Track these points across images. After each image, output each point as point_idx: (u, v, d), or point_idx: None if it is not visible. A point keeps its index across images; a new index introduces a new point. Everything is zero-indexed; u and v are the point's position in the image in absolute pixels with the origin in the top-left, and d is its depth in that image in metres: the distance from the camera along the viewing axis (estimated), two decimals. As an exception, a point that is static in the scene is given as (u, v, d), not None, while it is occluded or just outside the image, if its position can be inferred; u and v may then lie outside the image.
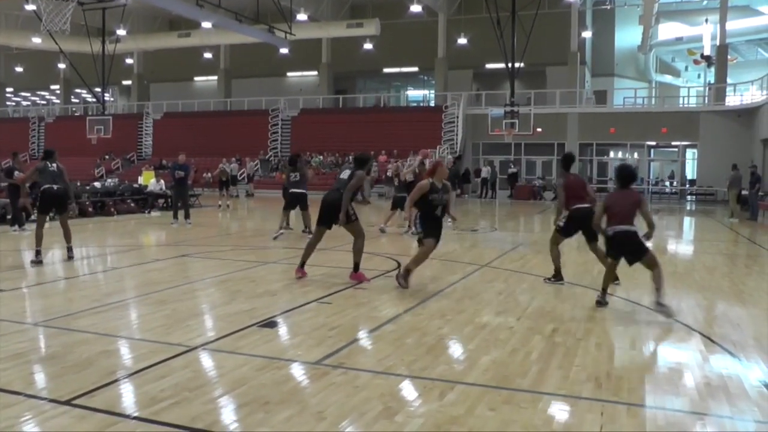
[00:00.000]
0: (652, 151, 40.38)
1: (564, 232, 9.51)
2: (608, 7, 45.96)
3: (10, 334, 6.37)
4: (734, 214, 23.10)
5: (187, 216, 17.90)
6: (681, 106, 41.17)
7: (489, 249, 13.45)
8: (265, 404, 4.62)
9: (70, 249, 11.42)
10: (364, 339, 6.55)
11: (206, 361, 5.73)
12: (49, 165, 11.26)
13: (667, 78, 52.12)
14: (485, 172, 36.28)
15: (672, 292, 9.17)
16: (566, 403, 4.82)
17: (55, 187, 11.11)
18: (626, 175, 7.91)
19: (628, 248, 7.66)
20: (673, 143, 38.78)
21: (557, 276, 9.68)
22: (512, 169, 36.94)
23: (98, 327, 6.70)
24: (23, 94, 68.70)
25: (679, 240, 18.40)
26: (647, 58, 49.51)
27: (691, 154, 39.15)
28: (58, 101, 61.40)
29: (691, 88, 46.15)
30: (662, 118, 36.58)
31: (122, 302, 8.07)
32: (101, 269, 11.00)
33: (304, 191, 15.19)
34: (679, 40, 48.68)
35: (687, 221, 24.90)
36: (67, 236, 11.46)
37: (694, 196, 36.68)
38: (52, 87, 62.59)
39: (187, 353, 5.82)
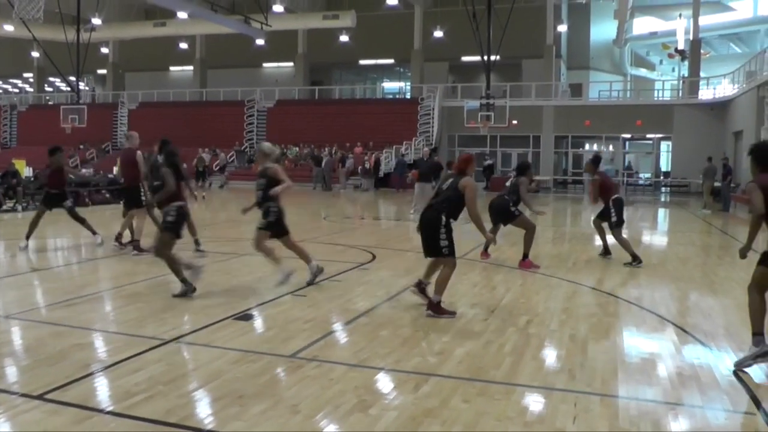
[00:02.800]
0: (627, 143, 40.71)
1: (619, 222, 10.81)
2: (583, 1, 46.18)
3: (-19, 328, 6.29)
4: (707, 205, 23.40)
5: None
6: (656, 99, 41.48)
7: (464, 241, 13.44)
8: (239, 398, 4.60)
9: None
10: (338, 331, 6.55)
11: (180, 354, 5.70)
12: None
13: (642, 71, 52.54)
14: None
15: (645, 283, 9.29)
16: (540, 394, 4.86)
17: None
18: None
19: None
20: (648, 136, 39.15)
21: (635, 258, 10.67)
22: (488, 161, 36.99)
23: (71, 320, 6.64)
24: (-6, 82, 67.72)
25: (653, 231, 18.59)
26: (622, 51, 49.90)
27: (665, 146, 39.50)
28: (31, 90, 60.52)
29: (665, 82, 46.50)
30: (637, 110, 36.89)
31: (96, 294, 8.01)
32: (75, 261, 10.89)
33: None
34: (653, 34, 49.07)
35: (661, 213, 25.15)
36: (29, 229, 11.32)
37: (668, 188, 37.08)
38: (25, 75, 61.67)
39: (161, 346, 5.79)
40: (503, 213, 10.60)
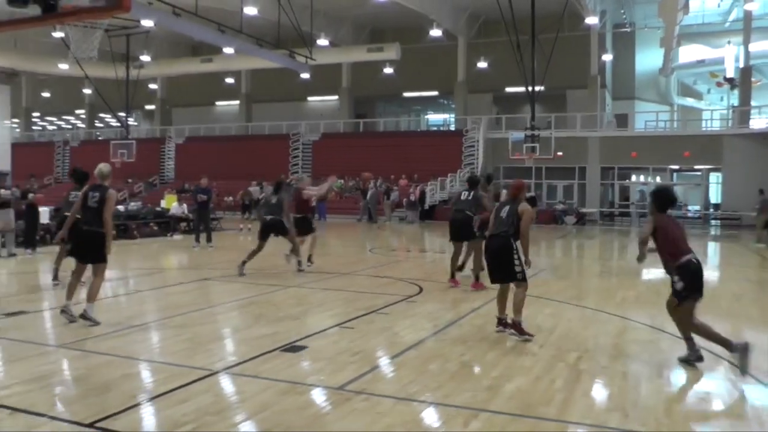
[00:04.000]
0: (674, 175, 40.05)
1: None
2: (628, 30, 45.82)
3: (34, 357, 6.39)
4: (761, 239, 22.79)
5: (209, 239, 17.97)
6: (704, 129, 40.79)
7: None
8: (287, 430, 4.57)
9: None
10: (386, 364, 6.50)
11: (228, 385, 5.70)
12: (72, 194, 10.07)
13: (689, 101, 51.74)
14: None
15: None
16: (593, 432, 4.73)
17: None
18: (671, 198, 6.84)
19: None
20: (696, 167, 38.45)
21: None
22: (530, 193, 36.53)
23: (120, 350, 6.71)
24: (49, 118, 69.63)
25: (704, 266, 18.15)
26: (668, 80, 49.21)
27: (714, 177, 38.76)
28: (83, 125, 62.14)
29: (714, 111, 45.76)
30: (685, 141, 36.27)
31: (144, 325, 8.08)
32: (123, 292, 11.03)
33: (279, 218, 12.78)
34: (700, 62, 48.35)
35: (712, 247, 24.61)
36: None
37: (718, 221, 36.27)
38: (77, 111, 63.36)
39: (209, 377, 5.80)
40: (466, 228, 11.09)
